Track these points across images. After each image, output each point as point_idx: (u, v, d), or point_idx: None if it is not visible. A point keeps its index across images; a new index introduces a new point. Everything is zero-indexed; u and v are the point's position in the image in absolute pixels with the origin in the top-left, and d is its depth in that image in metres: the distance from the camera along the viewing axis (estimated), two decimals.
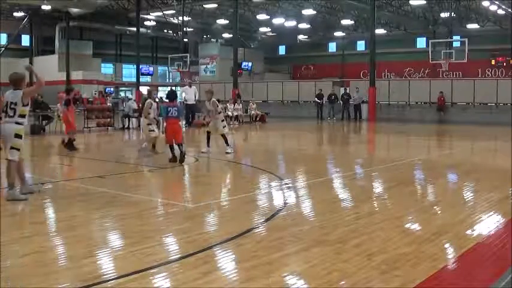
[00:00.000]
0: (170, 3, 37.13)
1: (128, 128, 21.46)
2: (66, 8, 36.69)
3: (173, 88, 27.10)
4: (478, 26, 38.82)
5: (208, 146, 12.44)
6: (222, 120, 12.55)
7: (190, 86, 25.14)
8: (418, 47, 42.96)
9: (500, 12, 34.18)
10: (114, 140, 17.84)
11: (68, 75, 40.29)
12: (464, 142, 17.53)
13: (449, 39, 30.26)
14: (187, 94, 24.22)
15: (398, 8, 37.50)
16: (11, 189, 6.81)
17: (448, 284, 4.05)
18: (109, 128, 20.45)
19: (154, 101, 12.71)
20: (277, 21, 39.67)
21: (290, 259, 4.51)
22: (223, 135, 12.36)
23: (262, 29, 46.57)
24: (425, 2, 33.67)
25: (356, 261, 4.37)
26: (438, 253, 4.67)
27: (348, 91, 29.65)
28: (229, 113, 25.19)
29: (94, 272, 4.11)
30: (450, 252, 4.86)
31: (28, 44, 42.83)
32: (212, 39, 48.18)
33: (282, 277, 4.08)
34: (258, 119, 26.40)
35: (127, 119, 21.86)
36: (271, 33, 48.05)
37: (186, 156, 10.39)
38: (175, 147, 10.34)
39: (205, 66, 44.48)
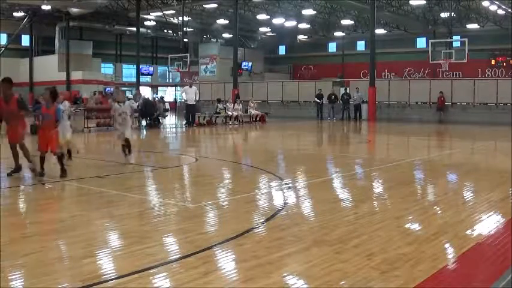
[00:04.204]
0: (170, 3, 37.11)
1: None
2: (66, 8, 36.66)
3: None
4: (478, 26, 38.79)
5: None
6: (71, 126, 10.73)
7: (191, 86, 25.14)
8: (418, 47, 42.93)
9: (500, 12, 34.17)
10: (114, 140, 17.79)
11: (68, 75, 40.29)
12: (464, 142, 17.52)
13: (449, 39, 30.32)
14: (187, 94, 24.18)
15: (398, 8, 37.47)
16: None
17: (448, 284, 4.05)
18: (109, 127, 20.42)
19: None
20: (277, 21, 39.64)
21: (290, 259, 4.50)
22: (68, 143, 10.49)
23: (262, 29, 46.51)
24: (425, 2, 33.68)
25: (356, 261, 4.37)
26: (438, 253, 4.67)
27: (348, 91, 29.66)
28: (229, 113, 25.22)
29: (94, 272, 4.11)
30: (450, 252, 4.85)
31: (28, 44, 42.84)
32: (212, 39, 48.16)
33: (282, 277, 4.08)
34: (258, 119, 26.40)
35: None
36: (271, 33, 48.01)
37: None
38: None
39: (205, 66, 44.44)
